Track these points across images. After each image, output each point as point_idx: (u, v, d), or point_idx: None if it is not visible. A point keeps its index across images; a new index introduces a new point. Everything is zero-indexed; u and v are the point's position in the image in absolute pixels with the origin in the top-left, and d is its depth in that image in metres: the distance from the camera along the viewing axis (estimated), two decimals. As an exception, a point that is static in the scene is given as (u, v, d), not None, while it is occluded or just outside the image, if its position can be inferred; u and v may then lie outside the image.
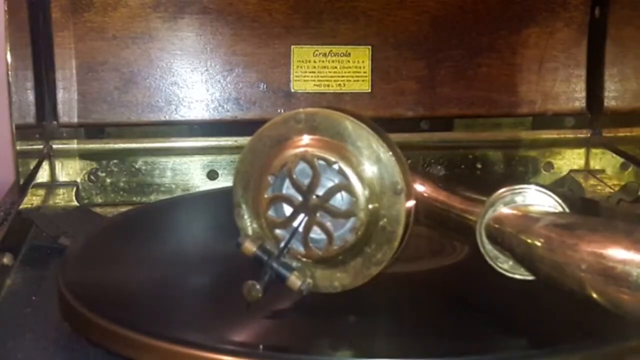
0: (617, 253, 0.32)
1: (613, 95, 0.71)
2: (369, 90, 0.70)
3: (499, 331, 0.38)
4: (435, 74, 0.70)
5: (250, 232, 0.41)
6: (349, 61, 0.69)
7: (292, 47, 0.69)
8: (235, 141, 0.69)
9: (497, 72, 0.70)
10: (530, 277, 0.38)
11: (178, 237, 0.53)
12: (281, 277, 0.39)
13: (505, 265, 0.39)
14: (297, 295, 0.39)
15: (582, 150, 0.73)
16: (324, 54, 0.69)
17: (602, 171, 0.72)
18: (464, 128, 0.72)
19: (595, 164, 0.73)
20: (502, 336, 0.38)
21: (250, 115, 0.69)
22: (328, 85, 0.69)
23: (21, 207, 0.61)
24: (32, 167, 0.66)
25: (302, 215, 0.39)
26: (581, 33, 0.70)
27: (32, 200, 0.63)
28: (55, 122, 0.67)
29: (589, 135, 0.73)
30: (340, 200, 0.39)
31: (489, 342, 0.37)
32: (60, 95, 0.67)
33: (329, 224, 0.39)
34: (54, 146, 0.68)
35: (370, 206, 0.38)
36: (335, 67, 0.69)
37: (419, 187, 0.45)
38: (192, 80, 0.68)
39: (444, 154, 0.72)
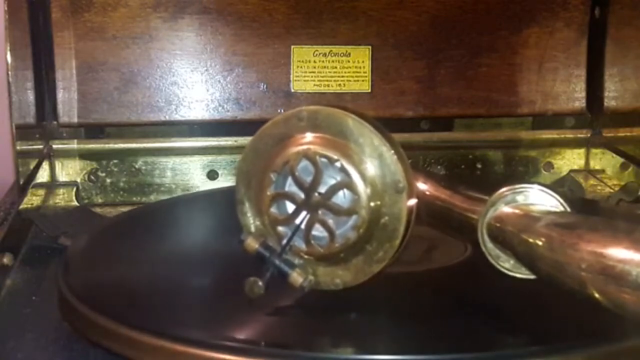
0: (617, 252, 0.32)
1: (613, 95, 0.71)
2: (369, 90, 0.70)
3: (500, 330, 0.38)
4: (435, 74, 0.70)
5: (252, 229, 0.41)
6: (349, 61, 0.69)
7: (292, 47, 0.69)
8: (235, 141, 0.69)
9: (497, 72, 0.70)
10: (531, 276, 0.38)
11: (178, 236, 0.53)
12: (283, 274, 0.39)
13: (507, 264, 0.39)
14: (298, 292, 0.39)
15: (582, 150, 0.73)
16: (324, 54, 0.69)
17: (602, 171, 0.72)
18: (464, 128, 0.72)
19: (595, 164, 0.73)
20: (503, 335, 0.38)
21: (250, 115, 0.69)
22: (328, 85, 0.69)
23: (21, 207, 0.61)
24: (32, 167, 0.66)
25: (304, 213, 0.39)
26: (581, 33, 0.70)
27: (32, 200, 0.63)
28: (55, 122, 0.67)
29: (589, 135, 0.73)
30: (342, 197, 0.39)
31: (490, 341, 0.37)
32: (60, 95, 0.67)
33: (331, 222, 0.39)
34: (54, 146, 0.68)
35: (372, 204, 0.38)
36: (335, 67, 0.69)
37: (421, 186, 0.45)
38: (192, 80, 0.68)
39: (444, 154, 0.72)
